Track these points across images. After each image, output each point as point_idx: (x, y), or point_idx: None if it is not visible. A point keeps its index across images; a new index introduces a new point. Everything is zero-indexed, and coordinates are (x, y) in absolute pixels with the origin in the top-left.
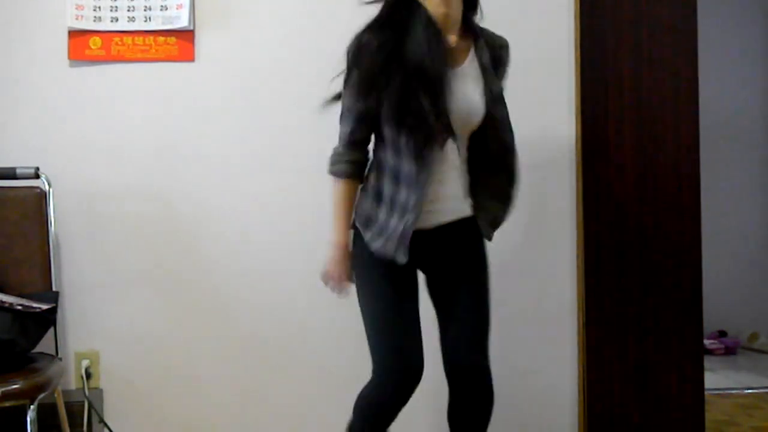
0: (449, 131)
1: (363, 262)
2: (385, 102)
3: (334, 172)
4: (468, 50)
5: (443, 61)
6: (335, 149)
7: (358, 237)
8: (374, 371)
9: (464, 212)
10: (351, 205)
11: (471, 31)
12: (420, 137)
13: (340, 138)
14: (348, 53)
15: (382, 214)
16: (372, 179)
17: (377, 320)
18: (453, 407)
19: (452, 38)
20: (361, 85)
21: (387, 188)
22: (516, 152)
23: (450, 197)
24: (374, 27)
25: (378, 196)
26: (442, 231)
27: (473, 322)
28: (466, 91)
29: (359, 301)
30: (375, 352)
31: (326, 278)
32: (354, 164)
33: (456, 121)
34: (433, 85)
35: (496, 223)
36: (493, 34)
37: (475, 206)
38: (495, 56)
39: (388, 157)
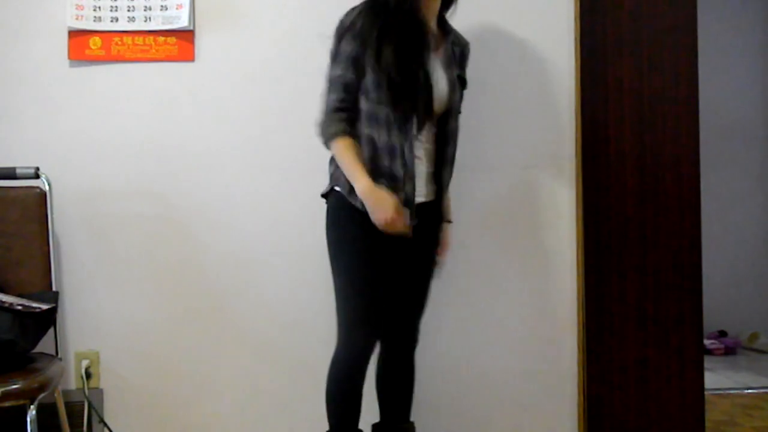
0: (430, 112)
1: (348, 224)
2: (375, 75)
3: (334, 133)
4: (441, 42)
5: (427, 45)
6: (323, 118)
7: (340, 200)
8: (351, 334)
9: (429, 196)
10: (358, 156)
11: (443, 26)
12: (408, 110)
13: (325, 106)
14: (340, 28)
15: None
16: None
17: (358, 286)
18: (390, 377)
19: (432, 26)
20: (351, 57)
21: (366, 155)
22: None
23: (424, 177)
24: (366, 8)
25: None
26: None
27: (423, 304)
28: (440, 77)
29: (338, 261)
30: (348, 316)
31: (390, 220)
32: (348, 123)
33: (434, 102)
34: (421, 63)
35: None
36: (459, 33)
37: (438, 192)
38: (462, 53)
39: (364, 128)
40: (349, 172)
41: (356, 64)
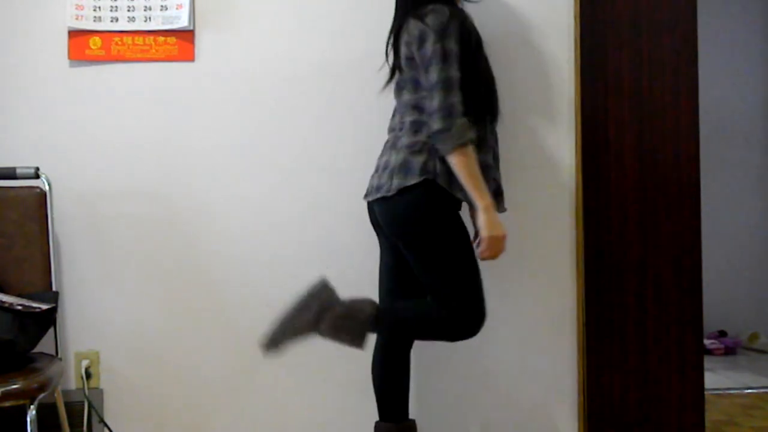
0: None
1: (451, 212)
2: (472, 73)
3: (469, 140)
4: None
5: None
6: (454, 121)
7: (435, 189)
8: (461, 309)
9: None
10: None
11: None
12: (491, 105)
13: (451, 108)
14: (439, 29)
15: None
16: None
17: (472, 267)
18: (391, 373)
19: None
20: (456, 58)
21: None
22: None
23: None
24: (451, 13)
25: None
26: None
27: None
28: None
29: (445, 249)
30: (470, 295)
31: (498, 242)
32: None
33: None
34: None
35: None
36: None
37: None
38: None
39: None
40: (476, 184)
41: (460, 64)
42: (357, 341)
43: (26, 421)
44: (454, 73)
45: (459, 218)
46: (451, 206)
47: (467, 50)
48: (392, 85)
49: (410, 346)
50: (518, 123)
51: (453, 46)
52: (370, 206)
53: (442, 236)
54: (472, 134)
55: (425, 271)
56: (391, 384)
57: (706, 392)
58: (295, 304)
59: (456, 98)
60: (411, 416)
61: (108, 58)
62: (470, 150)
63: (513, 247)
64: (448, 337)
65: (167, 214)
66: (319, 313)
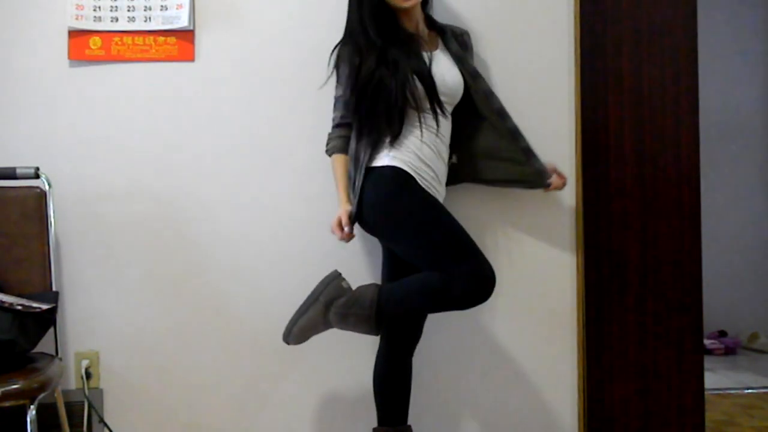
0: (441, 107)
1: (393, 195)
2: (373, 93)
3: (330, 149)
4: (436, 41)
5: (420, 53)
6: (330, 133)
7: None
8: (458, 274)
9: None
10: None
11: (435, 26)
12: (398, 114)
13: (332, 122)
14: (335, 56)
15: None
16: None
17: (455, 227)
18: (391, 377)
19: (420, 25)
20: (343, 79)
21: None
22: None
23: (442, 175)
24: (345, 35)
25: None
26: None
27: None
28: (444, 71)
29: (404, 225)
30: (462, 258)
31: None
32: (345, 139)
33: (443, 96)
34: (423, 75)
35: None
36: (452, 26)
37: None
38: (461, 42)
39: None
40: (337, 185)
41: (354, 86)
42: (367, 328)
43: (26, 421)
44: (339, 92)
45: (405, 194)
46: (390, 187)
47: (381, 62)
48: None
49: (412, 351)
50: (518, 123)
51: (342, 69)
52: None
53: (393, 215)
54: (331, 144)
55: (404, 251)
56: (392, 389)
57: (706, 392)
58: (307, 298)
59: (334, 113)
60: (409, 417)
61: (108, 58)
62: (333, 159)
63: (513, 247)
64: (458, 305)
65: (167, 213)
66: (327, 305)
